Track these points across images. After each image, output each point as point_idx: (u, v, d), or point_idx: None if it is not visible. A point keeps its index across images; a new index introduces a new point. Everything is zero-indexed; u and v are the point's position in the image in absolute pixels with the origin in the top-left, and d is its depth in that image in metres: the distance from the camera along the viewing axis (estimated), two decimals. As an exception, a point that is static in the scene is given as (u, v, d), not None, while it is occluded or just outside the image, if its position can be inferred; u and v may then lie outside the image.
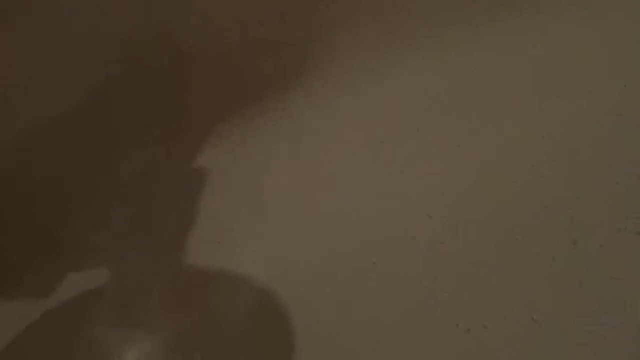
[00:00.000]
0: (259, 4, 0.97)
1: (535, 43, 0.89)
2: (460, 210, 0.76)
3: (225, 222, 0.80)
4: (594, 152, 0.80)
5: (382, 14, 0.94)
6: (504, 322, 0.69)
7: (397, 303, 0.71)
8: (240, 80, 0.92)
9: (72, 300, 0.74)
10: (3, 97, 0.91)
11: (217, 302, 0.73)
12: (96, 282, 0.75)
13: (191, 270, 0.76)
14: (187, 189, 0.82)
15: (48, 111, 0.89)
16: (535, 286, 0.71)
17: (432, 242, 0.74)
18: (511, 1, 0.93)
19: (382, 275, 0.73)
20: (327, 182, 0.81)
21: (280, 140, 0.85)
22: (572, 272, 0.71)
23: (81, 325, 0.72)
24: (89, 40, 0.94)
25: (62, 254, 0.78)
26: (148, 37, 0.94)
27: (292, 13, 0.96)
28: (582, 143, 0.81)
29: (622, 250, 0.73)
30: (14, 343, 0.71)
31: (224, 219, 0.80)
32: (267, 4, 0.97)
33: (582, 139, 0.81)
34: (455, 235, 0.75)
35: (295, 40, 0.93)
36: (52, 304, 0.74)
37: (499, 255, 0.73)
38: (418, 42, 0.90)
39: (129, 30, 0.94)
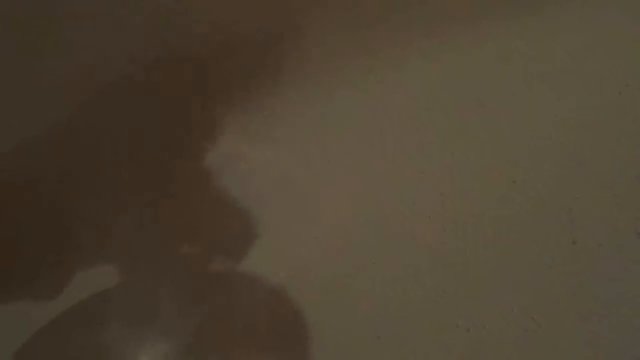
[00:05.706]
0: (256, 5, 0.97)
1: (535, 43, 0.89)
2: (460, 210, 0.76)
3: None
4: (594, 152, 0.80)
5: (382, 14, 0.94)
6: (504, 322, 0.69)
7: (397, 303, 0.71)
8: (239, 79, 0.92)
9: (83, 302, 0.74)
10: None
11: (225, 304, 0.74)
12: (107, 285, 0.75)
13: (200, 274, 0.76)
14: (193, 191, 0.82)
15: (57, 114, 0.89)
16: (535, 286, 0.71)
17: (432, 242, 0.74)
18: (510, 2, 0.93)
19: (382, 275, 0.73)
20: (327, 183, 0.81)
21: (280, 141, 0.85)
22: (572, 272, 0.71)
23: (92, 329, 0.72)
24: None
25: (73, 255, 0.78)
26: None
27: (291, 13, 0.96)
28: (582, 143, 0.81)
29: (622, 250, 0.73)
30: (26, 346, 0.71)
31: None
32: (267, 5, 0.97)
33: (582, 139, 0.81)
34: (455, 235, 0.75)
35: (293, 40, 0.93)
36: (63, 306, 0.74)
37: (499, 256, 0.73)
38: (417, 42, 0.90)
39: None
